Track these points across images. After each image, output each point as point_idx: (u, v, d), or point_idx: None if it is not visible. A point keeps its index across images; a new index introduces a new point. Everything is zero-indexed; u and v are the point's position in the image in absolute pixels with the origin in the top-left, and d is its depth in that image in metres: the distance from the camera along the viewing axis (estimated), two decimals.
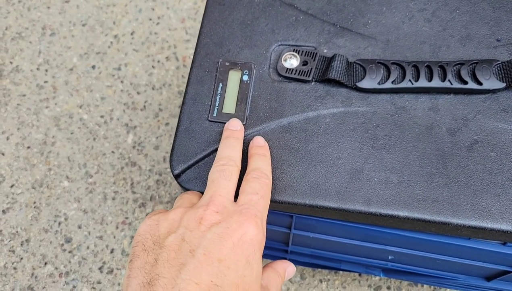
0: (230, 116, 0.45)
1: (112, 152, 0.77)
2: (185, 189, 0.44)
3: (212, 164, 0.44)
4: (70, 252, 0.70)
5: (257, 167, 0.39)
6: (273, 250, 0.58)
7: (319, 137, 0.44)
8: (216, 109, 0.46)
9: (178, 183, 0.44)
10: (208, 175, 0.43)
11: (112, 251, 0.70)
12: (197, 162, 0.44)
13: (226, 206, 0.35)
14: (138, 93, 0.82)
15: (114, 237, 0.71)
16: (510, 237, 0.40)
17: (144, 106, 0.81)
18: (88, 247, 0.71)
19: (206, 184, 0.43)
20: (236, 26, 0.50)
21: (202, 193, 0.43)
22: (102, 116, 0.80)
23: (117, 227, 0.72)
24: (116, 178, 0.75)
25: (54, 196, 0.74)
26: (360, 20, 0.49)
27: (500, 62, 0.45)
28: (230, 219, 0.33)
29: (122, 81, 0.83)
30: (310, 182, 0.42)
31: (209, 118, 0.46)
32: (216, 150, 0.44)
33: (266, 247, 0.57)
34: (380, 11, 0.50)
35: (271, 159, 0.43)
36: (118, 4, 0.90)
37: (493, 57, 0.46)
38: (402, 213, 0.41)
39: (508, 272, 0.47)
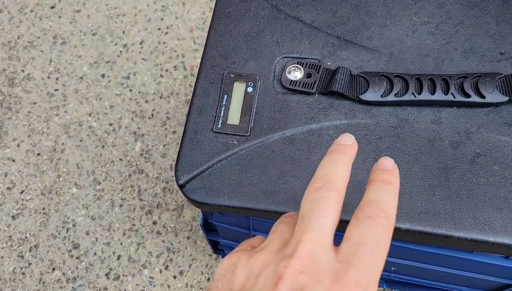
0: (234, 127, 0.46)
1: (120, 159, 0.78)
2: (190, 199, 0.44)
3: (216, 174, 0.44)
4: (77, 258, 0.72)
5: (376, 200, 0.26)
6: None
7: (322, 149, 0.45)
8: (220, 121, 0.47)
9: (183, 193, 0.45)
10: (211, 185, 0.44)
11: (118, 258, 0.71)
12: (201, 172, 0.45)
13: (317, 259, 0.24)
14: (146, 101, 0.83)
15: (121, 244, 0.72)
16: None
17: (152, 114, 0.82)
18: (95, 253, 0.72)
19: (210, 194, 0.44)
20: (242, 39, 0.51)
21: (208, 205, 0.44)
22: (111, 124, 0.81)
23: (124, 234, 0.73)
24: (123, 185, 0.76)
25: (62, 203, 0.75)
26: (364, 33, 0.50)
27: (503, 75, 0.45)
28: (317, 287, 0.23)
29: (130, 90, 0.84)
30: None
31: (213, 130, 0.46)
32: (220, 161, 0.45)
33: None
34: (384, 24, 0.50)
35: (274, 170, 0.44)
36: (127, 14, 0.92)
37: (496, 70, 0.47)
38: (404, 225, 0.41)
39: (510, 285, 0.47)
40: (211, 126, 0.47)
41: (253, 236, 0.50)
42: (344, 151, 0.30)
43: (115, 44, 0.89)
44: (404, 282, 0.55)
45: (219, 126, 0.46)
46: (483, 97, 0.45)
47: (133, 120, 0.81)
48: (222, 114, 0.47)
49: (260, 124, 0.46)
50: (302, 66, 0.48)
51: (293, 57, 0.49)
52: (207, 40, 0.52)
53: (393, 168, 0.29)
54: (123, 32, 0.90)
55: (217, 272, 0.27)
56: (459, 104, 0.45)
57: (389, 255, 0.48)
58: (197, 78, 0.49)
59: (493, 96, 0.45)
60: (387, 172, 0.29)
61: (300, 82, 0.47)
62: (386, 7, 0.51)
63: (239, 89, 0.48)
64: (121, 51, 0.88)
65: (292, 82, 0.48)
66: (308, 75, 0.48)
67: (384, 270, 0.53)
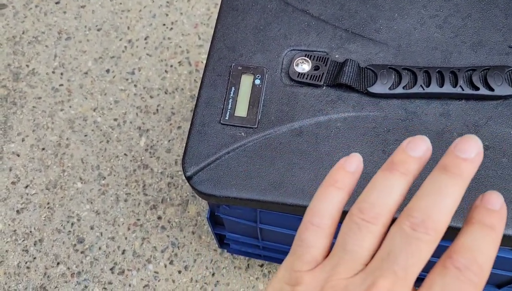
0: (242, 119, 0.46)
1: (125, 154, 0.78)
2: (197, 191, 0.44)
3: (223, 166, 0.44)
4: (82, 252, 0.71)
5: (471, 248, 0.21)
6: (283, 254, 0.58)
7: (330, 141, 0.44)
8: (228, 113, 0.47)
9: (190, 184, 0.45)
10: (219, 177, 0.44)
11: (123, 252, 0.71)
12: (209, 164, 0.45)
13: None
14: (151, 97, 0.83)
15: (126, 238, 0.72)
16: None
17: (157, 110, 0.82)
18: (100, 248, 0.72)
19: (217, 186, 0.44)
20: (249, 31, 0.51)
21: (215, 197, 0.44)
22: (115, 119, 0.81)
23: (128, 229, 0.73)
24: (128, 180, 0.76)
25: (67, 197, 0.75)
26: (372, 26, 0.50)
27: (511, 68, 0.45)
28: None
29: (135, 85, 0.84)
30: None
31: (221, 121, 0.46)
32: (228, 153, 0.45)
33: (275, 250, 0.58)
34: (392, 17, 0.50)
35: (282, 163, 0.44)
36: (132, 9, 0.92)
37: (505, 63, 0.46)
38: None
39: None
40: (218, 118, 0.47)
41: (260, 229, 0.50)
42: (460, 171, 0.22)
43: (120, 40, 0.89)
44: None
45: (227, 118, 0.46)
46: (492, 90, 0.44)
47: (137, 116, 0.81)
48: (229, 106, 0.47)
49: (267, 117, 0.46)
50: (309, 59, 0.48)
51: (301, 50, 0.49)
52: (214, 32, 0.51)
53: (501, 208, 0.22)
54: (128, 27, 0.90)
55: (269, 285, 0.24)
56: (468, 97, 0.45)
57: None
58: (205, 71, 0.49)
59: (502, 89, 0.44)
60: (492, 214, 0.22)
61: (308, 75, 0.47)
62: (394, 0, 0.51)
63: (246, 82, 0.48)
64: (125, 47, 0.88)
65: (300, 74, 0.48)
66: (316, 68, 0.48)
67: None
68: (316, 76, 0.47)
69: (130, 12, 0.92)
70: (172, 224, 0.73)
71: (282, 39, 0.50)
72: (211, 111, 0.47)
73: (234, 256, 0.69)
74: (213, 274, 0.69)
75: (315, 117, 0.46)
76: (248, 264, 0.69)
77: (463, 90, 0.45)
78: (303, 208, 0.42)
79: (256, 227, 0.50)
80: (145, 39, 0.89)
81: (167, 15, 0.91)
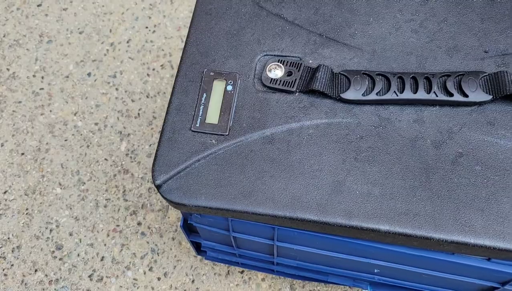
0: (213, 126, 0.45)
1: (105, 159, 0.77)
2: (166, 200, 0.43)
3: (193, 174, 0.43)
4: (60, 259, 0.70)
5: None
6: (260, 262, 0.57)
7: (302, 149, 0.44)
8: (199, 119, 0.46)
9: (160, 193, 0.44)
10: (189, 185, 0.43)
11: (102, 259, 0.70)
12: (179, 172, 0.44)
13: None
14: (132, 101, 0.82)
15: (105, 245, 0.71)
16: (493, 252, 0.39)
17: (138, 114, 0.81)
18: (78, 255, 0.71)
19: (187, 195, 0.43)
20: (222, 36, 0.50)
21: (185, 205, 0.43)
22: (96, 124, 0.80)
23: (108, 235, 0.72)
24: (108, 185, 0.75)
25: (46, 203, 0.74)
26: (346, 31, 0.49)
27: (487, 74, 0.44)
28: None
29: (117, 89, 0.83)
30: (291, 194, 0.42)
31: (192, 129, 0.45)
32: (198, 161, 0.44)
33: (252, 258, 0.57)
34: (367, 22, 0.49)
35: (252, 171, 0.43)
36: (115, 12, 0.91)
37: (480, 69, 0.46)
38: (383, 227, 0.40)
39: (495, 288, 0.46)
40: (189, 125, 0.46)
41: (234, 237, 0.49)
42: None
43: (102, 43, 0.88)
44: (388, 285, 0.54)
45: (198, 125, 0.46)
46: (466, 96, 0.44)
47: (119, 120, 0.80)
48: (201, 113, 0.46)
49: (239, 123, 0.45)
50: (283, 64, 0.47)
51: (274, 55, 0.48)
52: (187, 37, 0.51)
53: None
54: (110, 30, 0.89)
55: None
56: (442, 103, 0.45)
57: (371, 257, 0.47)
58: (177, 76, 0.48)
59: (476, 95, 0.44)
60: None
61: (280, 81, 0.47)
62: (370, 4, 0.50)
63: (218, 88, 0.47)
64: (107, 50, 0.87)
65: (272, 80, 0.47)
66: (288, 74, 0.47)
67: (366, 272, 0.52)
68: (289, 82, 0.46)
69: (112, 14, 0.91)
70: (152, 230, 0.72)
71: (256, 44, 0.49)
72: (182, 118, 0.46)
73: (215, 262, 0.69)
74: (193, 281, 0.68)
75: (287, 124, 0.45)
76: (228, 271, 0.68)
77: (437, 96, 0.44)
78: (273, 217, 0.42)
79: (230, 236, 0.49)
80: (127, 42, 0.88)
81: (150, 17, 0.90)
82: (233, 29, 0.50)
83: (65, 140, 0.79)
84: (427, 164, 0.42)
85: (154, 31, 0.88)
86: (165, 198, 0.44)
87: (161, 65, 0.85)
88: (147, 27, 0.89)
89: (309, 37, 0.49)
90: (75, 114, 0.81)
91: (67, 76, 0.85)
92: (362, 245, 0.45)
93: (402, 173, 0.42)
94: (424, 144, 0.43)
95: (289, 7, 0.51)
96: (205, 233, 0.52)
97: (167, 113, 0.47)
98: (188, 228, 0.54)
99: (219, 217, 0.46)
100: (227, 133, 0.45)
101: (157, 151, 0.45)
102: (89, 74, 0.85)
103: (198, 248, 0.59)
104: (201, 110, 0.46)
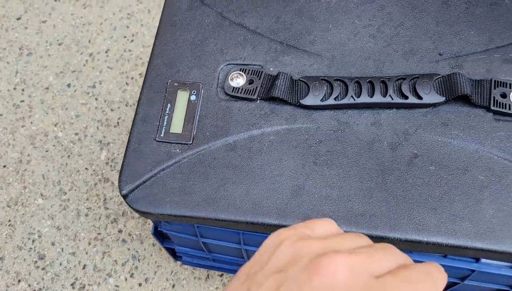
0: (177, 136, 0.46)
1: (86, 168, 0.78)
2: (133, 209, 0.45)
3: (159, 183, 0.45)
4: (43, 268, 0.72)
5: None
6: (234, 265, 0.58)
7: (263, 155, 0.45)
8: (164, 129, 0.47)
9: (126, 202, 0.45)
10: (154, 194, 0.44)
11: (84, 267, 0.71)
12: (144, 181, 0.45)
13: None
14: (112, 110, 0.83)
15: (87, 253, 0.72)
16: (446, 250, 0.41)
17: (118, 122, 0.82)
18: (61, 264, 0.72)
19: (152, 204, 0.44)
20: (186, 47, 0.51)
21: (151, 214, 0.44)
22: (76, 134, 0.81)
23: (89, 243, 0.73)
24: (89, 194, 0.76)
25: (28, 214, 0.75)
26: (306, 38, 0.50)
27: (440, 76, 0.46)
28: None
29: (96, 99, 0.84)
30: (253, 199, 0.43)
31: (157, 139, 0.47)
32: (163, 170, 0.45)
33: (227, 262, 0.58)
34: (327, 28, 0.51)
35: (215, 178, 0.44)
36: (93, 22, 0.92)
37: (435, 71, 0.47)
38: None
39: (456, 283, 0.47)
40: (154, 135, 0.47)
41: (203, 243, 0.51)
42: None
43: (81, 54, 0.89)
44: None
45: (162, 135, 0.47)
46: (420, 98, 0.45)
47: (98, 129, 0.81)
48: (165, 123, 0.47)
49: (202, 132, 0.47)
50: (244, 73, 0.49)
51: (237, 64, 0.50)
52: (152, 49, 0.52)
53: None
54: (89, 41, 0.90)
55: (263, 244, 0.25)
56: (398, 106, 0.46)
57: None
58: (142, 88, 0.50)
59: (430, 97, 0.45)
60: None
61: (242, 89, 0.48)
62: (329, 11, 0.52)
63: (182, 98, 0.48)
64: (86, 60, 0.88)
65: (234, 89, 0.48)
66: (250, 82, 0.48)
67: None
68: (250, 90, 0.48)
69: (91, 25, 0.92)
70: (132, 237, 0.73)
71: (219, 54, 0.50)
72: (147, 128, 0.47)
73: (194, 267, 0.70)
74: (173, 286, 0.69)
75: (249, 131, 0.46)
76: (208, 274, 0.70)
77: (392, 99, 0.45)
78: (235, 223, 0.43)
79: (199, 241, 0.50)
80: (106, 52, 0.89)
81: (127, 27, 0.91)
82: (197, 40, 0.51)
83: (46, 151, 0.80)
84: (383, 165, 0.44)
85: (132, 40, 0.90)
86: (131, 207, 0.45)
87: (140, 74, 0.86)
88: (125, 37, 0.90)
89: (270, 45, 0.50)
90: (55, 125, 0.82)
91: (47, 88, 0.86)
92: None
93: (360, 175, 0.43)
94: (381, 147, 0.45)
95: (251, 16, 0.52)
96: (176, 239, 0.53)
97: (133, 124, 0.48)
98: (161, 235, 0.55)
99: (185, 224, 0.47)
100: (191, 142, 0.46)
101: (123, 161, 0.46)
102: (68, 85, 0.86)
103: (174, 254, 0.60)
104: (165, 120, 0.47)
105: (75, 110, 0.83)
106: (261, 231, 0.43)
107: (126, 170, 0.46)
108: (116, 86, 0.85)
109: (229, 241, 0.49)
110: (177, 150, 0.46)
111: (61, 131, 0.82)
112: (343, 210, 0.42)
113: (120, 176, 0.46)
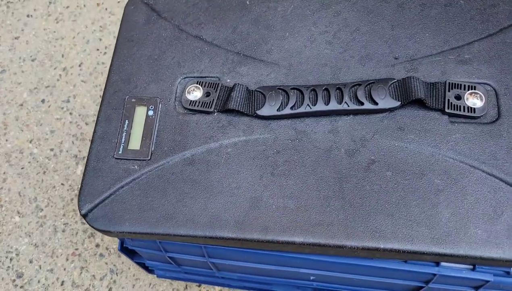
0: (135, 152, 0.46)
1: (62, 184, 0.78)
2: (93, 228, 0.45)
3: (117, 201, 0.44)
4: (21, 287, 0.71)
5: None
6: (207, 277, 0.58)
7: (221, 168, 0.45)
8: (122, 147, 0.47)
9: (87, 222, 0.45)
10: (113, 213, 0.44)
11: (62, 284, 0.71)
12: (103, 200, 0.45)
13: None
14: (86, 124, 0.83)
15: (65, 269, 0.72)
16: (404, 255, 0.40)
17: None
18: (39, 281, 0.72)
19: (112, 222, 0.44)
20: (144, 62, 0.51)
21: (111, 232, 0.44)
22: (51, 149, 0.81)
23: (67, 259, 0.73)
24: (66, 209, 0.76)
25: (5, 232, 0.75)
26: (263, 47, 0.50)
27: (395, 80, 0.46)
28: None
29: (71, 113, 0.84)
30: (211, 213, 0.43)
31: (115, 156, 0.47)
32: (122, 187, 0.45)
33: (199, 274, 0.58)
34: (283, 37, 0.51)
35: (173, 193, 0.44)
36: (66, 36, 0.92)
37: (391, 75, 0.47)
38: (298, 239, 0.41)
39: (421, 287, 0.47)
40: (112, 153, 0.47)
41: (170, 257, 0.51)
42: None
43: (55, 68, 0.89)
44: (328, 290, 0.55)
45: (120, 152, 0.47)
46: (376, 103, 0.45)
47: (73, 144, 0.81)
48: (123, 140, 0.47)
49: (161, 147, 0.47)
50: (201, 86, 0.48)
51: (194, 77, 0.50)
52: (110, 66, 0.52)
53: None
54: (62, 55, 0.90)
55: None
56: (355, 112, 0.46)
57: (300, 266, 0.49)
58: (101, 105, 0.50)
59: (386, 102, 0.45)
60: None
61: (199, 102, 0.48)
62: (285, 19, 0.52)
63: (140, 113, 0.48)
64: (60, 75, 0.88)
65: (191, 102, 0.48)
66: (207, 94, 0.48)
67: (305, 280, 0.53)
68: (207, 103, 0.48)
69: (64, 39, 0.92)
70: (110, 251, 0.73)
71: (176, 67, 0.50)
72: (105, 146, 0.47)
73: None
74: None
75: (207, 144, 0.46)
76: (186, 285, 0.69)
77: (348, 106, 0.45)
78: (195, 238, 0.43)
79: (164, 256, 0.50)
80: (80, 65, 0.89)
81: (100, 39, 0.91)
82: (154, 54, 0.51)
83: (22, 168, 0.80)
84: (341, 173, 0.44)
85: (105, 53, 0.89)
86: (91, 226, 0.45)
87: None
88: (98, 49, 0.90)
89: (227, 57, 0.50)
90: (30, 142, 0.82)
91: (22, 105, 0.86)
92: (288, 257, 0.46)
93: (317, 184, 0.43)
94: (338, 154, 0.44)
95: (208, 28, 0.52)
96: (144, 254, 0.53)
97: (91, 142, 0.48)
98: (131, 250, 0.55)
99: (148, 240, 0.47)
100: (149, 158, 0.46)
101: (82, 181, 0.46)
102: (43, 101, 0.86)
103: (146, 268, 0.60)
104: (123, 137, 0.47)
105: (49, 126, 0.83)
106: (221, 244, 0.43)
107: (85, 189, 0.46)
108: (90, 100, 0.85)
109: (194, 255, 0.49)
110: (135, 167, 0.46)
111: (36, 147, 0.82)
112: (300, 220, 0.42)
113: (79, 195, 0.46)
